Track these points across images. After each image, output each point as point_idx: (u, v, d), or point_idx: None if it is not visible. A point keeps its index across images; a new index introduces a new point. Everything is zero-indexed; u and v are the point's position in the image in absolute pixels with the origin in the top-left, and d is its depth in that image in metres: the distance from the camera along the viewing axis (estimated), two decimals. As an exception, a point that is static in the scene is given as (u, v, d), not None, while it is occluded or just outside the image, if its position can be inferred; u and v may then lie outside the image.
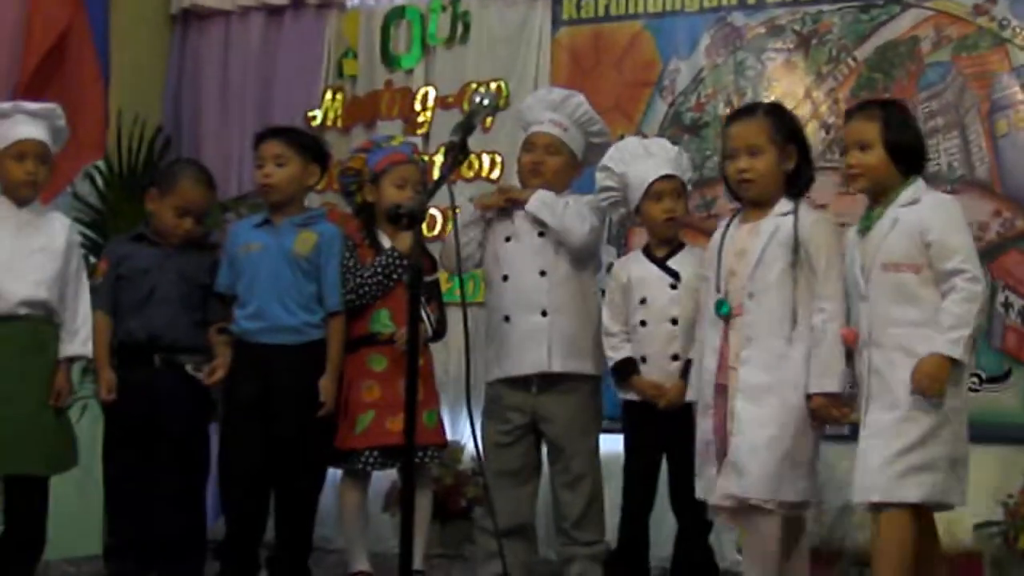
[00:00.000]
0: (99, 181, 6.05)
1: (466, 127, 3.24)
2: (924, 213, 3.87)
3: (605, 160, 4.61)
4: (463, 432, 5.63)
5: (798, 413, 3.96)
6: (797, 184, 4.15)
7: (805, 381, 3.96)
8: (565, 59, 6.11)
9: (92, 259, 5.18)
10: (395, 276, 4.64)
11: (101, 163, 6.03)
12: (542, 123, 4.59)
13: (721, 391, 4.02)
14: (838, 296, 4.00)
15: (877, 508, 3.79)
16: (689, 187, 4.70)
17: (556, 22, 6.14)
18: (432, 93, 6.33)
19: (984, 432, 4.96)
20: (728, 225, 4.19)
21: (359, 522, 4.75)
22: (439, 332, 4.81)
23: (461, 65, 6.33)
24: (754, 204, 4.13)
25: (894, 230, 3.88)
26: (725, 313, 4.05)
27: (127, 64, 6.33)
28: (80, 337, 4.57)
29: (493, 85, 6.06)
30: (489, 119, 5.77)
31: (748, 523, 4.01)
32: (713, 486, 3.99)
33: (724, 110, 5.70)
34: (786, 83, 5.69)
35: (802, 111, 5.57)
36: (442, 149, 5.91)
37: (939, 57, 5.48)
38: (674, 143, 4.90)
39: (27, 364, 4.47)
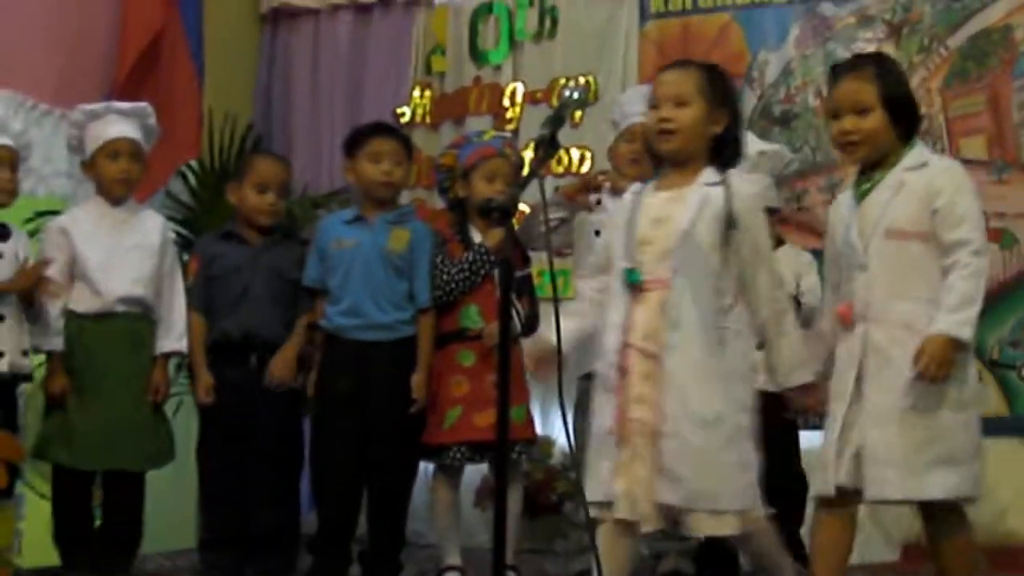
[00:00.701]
0: (191, 179, 6.10)
1: (555, 121, 3.22)
2: (934, 176, 3.57)
3: None
4: (554, 427, 5.63)
5: (743, 410, 3.53)
6: (724, 154, 3.67)
7: (745, 371, 3.56)
8: (653, 53, 6.09)
9: (185, 256, 5.23)
10: (483, 272, 4.64)
11: (193, 161, 6.09)
12: (641, 115, 4.58)
13: (623, 374, 3.53)
14: (782, 283, 3.77)
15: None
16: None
17: (644, 15, 6.13)
18: (521, 88, 6.34)
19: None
20: (640, 192, 3.70)
21: (451, 517, 4.76)
22: (530, 327, 4.80)
23: (549, 60, 6.34)
24: (674, 165, 3.65)
25: (900, 194, 3.56)
26: (636, 281, 3.55)
27: (218, 63, 6.41)
28: (176, 333, 4.65)
29: (582, 80, 6.07)
30: (578, 113, 5.78)
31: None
32: (607, 485, 3.49)
33: (814, 102, 5.65)
34: (877, 73, 5.62)
35: (894, 102, 5.51)
36: (531, 144, 5.90)
37: (1034, 45, 5.40)
38: (764, 136, 4.86)
39: (126, 361, 4.57)
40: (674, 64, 3.85)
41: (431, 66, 6.56)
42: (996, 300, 5.24)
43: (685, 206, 3.56)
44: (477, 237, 4.72)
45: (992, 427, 5.07)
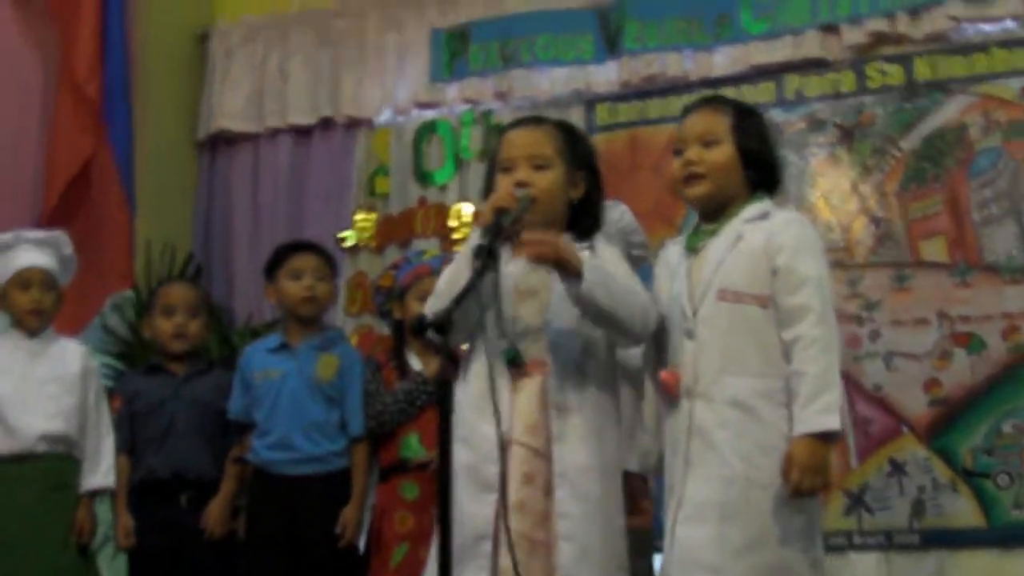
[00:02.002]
0: (129, 312, 5.89)
1: (494, 230, 3.03)
2: (775, 230, 3.13)
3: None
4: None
5: (617, 501, 3.17)
6: (583, 220, 3.29)
7: (617, 456, 3.20)
8: (601, 164, 5.91)
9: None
10: (419, 403, 4.41)
11: (130, 293, 5.88)
12: None
13: (505, 473, 3.07)
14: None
15: None
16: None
17: (591, 128, 5.96)
18: (468, 208, 6.15)
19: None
20: (512, 257, 3.23)
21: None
22: None
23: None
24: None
25: (735, 249, 3.14)
26: (514, 362, 3.14)
27: (155, 192, 6.22)
28: (103, 468, 4.39)
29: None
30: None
31: None
32: None
33: (768, 209, 5.49)
34: (831, 178, 5.49)
35: (849, 206, 5.41)
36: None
37: (989, 143, 5.28)
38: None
39: (49, 503, 4.29)
40: (527, 120, 3.46)
41: (374, 188, 6.39)
42: (966, 407, 5.11)
43: (553, 275, 3.12)
44: (415, 363, 4.49)
45: (970, 539, 4.97)
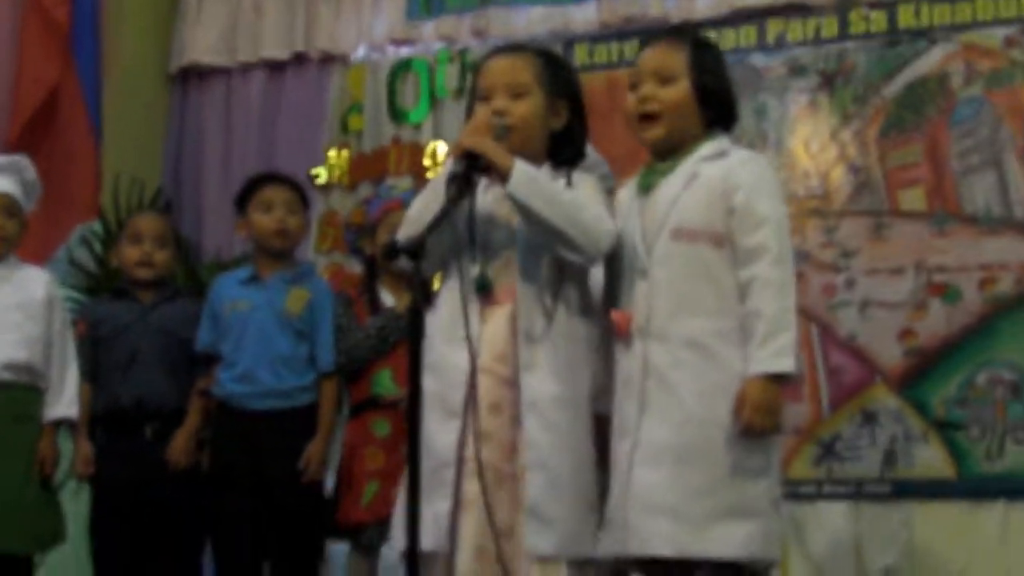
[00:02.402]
0: (96, 246, 5.80)
1: (469, 157, 2.96)
2: (732, 169, 3.07)
3: None
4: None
5: (586, 434, 3.09)
6: (564, 151, 3.21)
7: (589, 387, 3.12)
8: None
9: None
10: (391, 339, 4.34)
11: (98, 227, 5.79)
12: None
13: (472, 397, 3.02)
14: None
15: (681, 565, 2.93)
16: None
17: (568, 69, 5.89)
18: (442, 147, 6.06)
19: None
20: (490, 186, 3.16)
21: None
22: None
23: (469, 118, 6.08)
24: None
25: (690, 188, 3.06)
26: (483, 287, 3.08)
27: (124, 125, 6.12)
28: (66, 399, 4.29)
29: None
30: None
31: None
32: (444, 529, 2.99)
33: (746, 154, 5.42)
34: (811, 124, 5.41)
35: (829, 153, 5.34)
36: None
37: (971, 92, 5.20)
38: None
39: (10, 434, 4.20)
40: (506, 48, 3.37)
41: (348, 125, 6.29)
42: (940, 357, 5.07)
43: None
44: (387, 298, 4.43)
45: (939, 490, 4.96)
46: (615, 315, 3.11)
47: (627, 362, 3.08)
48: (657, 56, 3.17)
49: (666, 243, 3.06)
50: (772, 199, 3.08)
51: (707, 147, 3.14)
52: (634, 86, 3.19)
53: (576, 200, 3.07)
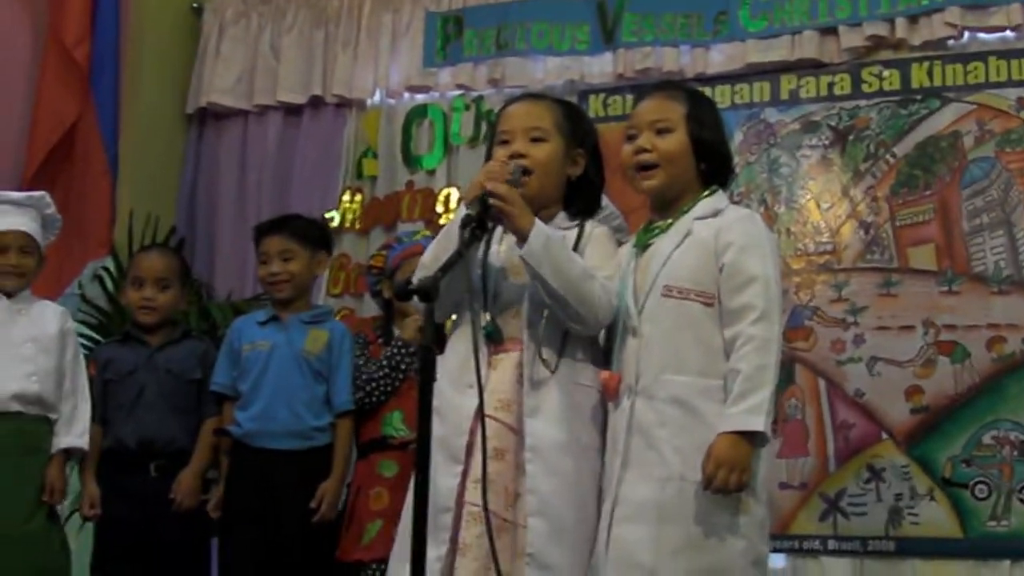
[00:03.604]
0: (108, 283, 5.82)
1: (483, 202, 2.98)
2: (724, 227, 3.09)
3: None
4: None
5: (592, 483, 3.09)
6: (579, 199, 3.28)
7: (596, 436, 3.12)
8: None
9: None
10: (403, 367, 4.37)
11: (111, 264, 5.82)
12: None
13: (471, 449, 3.04)
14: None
15: None
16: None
17: (582, 120, 5.92)
18: (455, 194, 6.08)
19: None
20: (504, 234, 3.19)
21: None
22: None
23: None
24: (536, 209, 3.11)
25: (683, 245, 3.08)
26: (492, 335, 3.10)
27: (140, 163, 6.18)
28: (76, 430, 4.31)
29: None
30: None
31: None
32: (437, 573, 2.97)
33: (759, 209, 5.44)
34: (822, 180, 5.44)
35: (839, 209, 5.36)
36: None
37: (982, 152, 5.22)
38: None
39: (20, 466, 4.22)
40: (526, 96, 3.45)
41: (362, 170, 6.32)
42: (947, 416, 5.06)
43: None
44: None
45: (945, 549, 4.94)
46: (603, 376, 3.12)
47: (614, 420, 3.09)
48: (654, 107, 3.22)
49: (656, 300, 3.08)
50: (761, 258, 3.08)
51: (703, 205, 3.17)
52: (631, 137, 3.23)
53: (584, 272, 3.08)
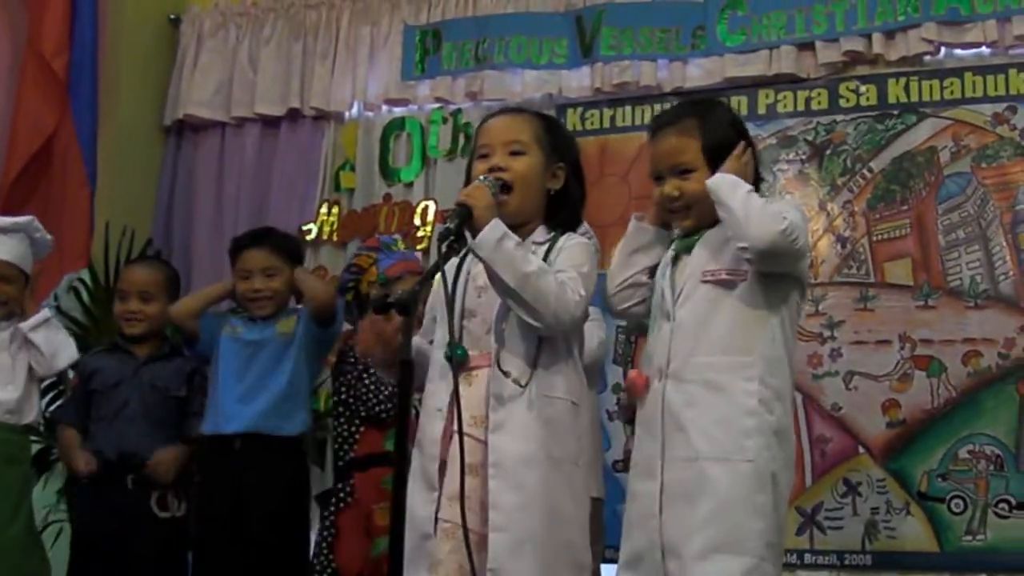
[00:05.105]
0: (84, 295, 5.80)
1: (461, 214, 2.98)
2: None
3: None
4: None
5: (566, 493, 3.05)
6: (560, 214, 3.24)
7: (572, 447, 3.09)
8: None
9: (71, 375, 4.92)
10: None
11: (86, 276, 5.81)
12: None
13: (444, 468, 3.04)
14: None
15: None
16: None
17: (560, 134, 5.93)
18: (432, 207, 6.09)
19: (1014, 561, 4.76)
20: (464, 256, 3.17)
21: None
22: None
23: (461, 178, 6.05)
24: (511, 227, 3.07)
25: (726, 245, 3.12)
26: (462, 356, 3.06)
27: (117, 174, 6.17)
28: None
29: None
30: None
31: None
32: None
33: (735, 223, 5.44)
34: (799, 195, 5.44)
35: (816, 224, 5.37)
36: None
37: (958, 168, 5.26)
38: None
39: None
40: (506, 110, 3.44)
41: (340, 182, 6.32)
42: (924, 430, 5.08)
43: None
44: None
45: (921, 563, 4.95)
46: (632, 375, 3.16)
47: (648, 405, 3.11)
48: (672, 147, 3.23)
49: (694, 285, 3.13)
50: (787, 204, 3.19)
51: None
52: (658, 177, 3.27)
53: (540, 269, 3.05)
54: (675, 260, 3.24)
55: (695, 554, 2.92)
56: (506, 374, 3.06)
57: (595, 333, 4.22)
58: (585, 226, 3.44)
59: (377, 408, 4.38)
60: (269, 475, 4.33)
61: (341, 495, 4.41)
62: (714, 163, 3.19)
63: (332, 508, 4.40)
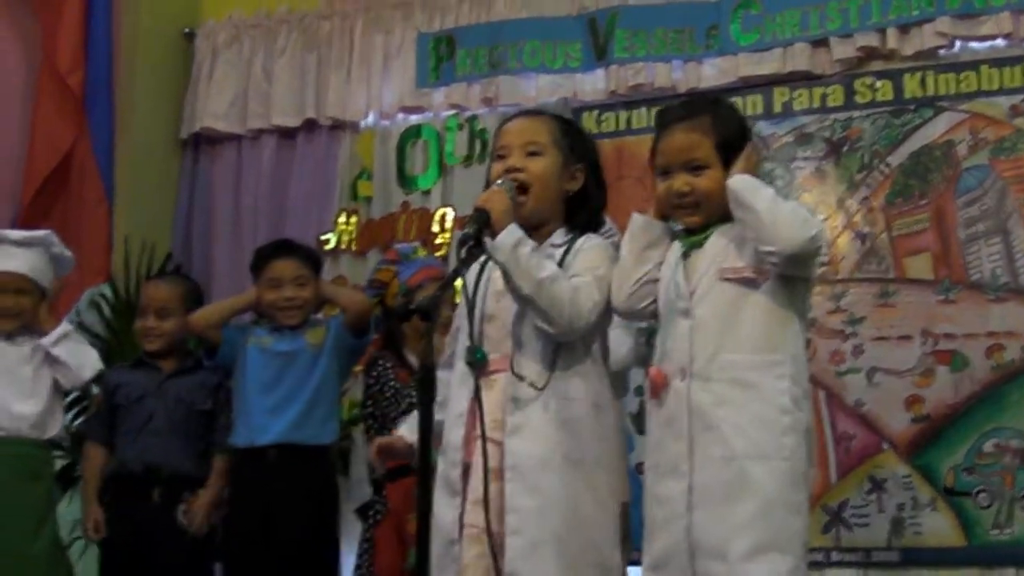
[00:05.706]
0: (105, 309, 5.82)
1: (480, 219, 2.98)
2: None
3: None
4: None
5: (587, 495, 3.05)
6: (579, 215, 3.24)
7: (593, 449, 3.08)
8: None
9: (95, 389, 4.94)
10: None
11: (107, 290, 5.83)
12: None
13: (466, 473, 3.05)
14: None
15: None
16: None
17: (576, 137, 5.92)
18: (451, 214, 6.09)
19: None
20: (485, 261, 3.13)
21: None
22: None
23: (479, 185, 6.01)
24: (529, 229, 3.09)
25: (741, 241, 3.05)
26: (481, 359, 3.07)
27: (135, 189, 6.19)
28: None
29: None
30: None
31: None
32: None
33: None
34: (817, 192, 5.44)
35: (835, 220, 5.36)
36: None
37: (976, 161, 5.23)
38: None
39: (23, 491, 4.28)
40: (524, 112, 3.43)
41: (357, 191, 6.33)
42: (948, 425, 5.05)
43: None
44: (415, 361, 4.45)
45: (948, 558, 4.93)
46: (652, 372, 3.07)
47: (670, 404, 3.02)
48: (683, 142, 3.11)
49: (711, 281, 3.04)
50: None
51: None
52: (665, 172, 3.14)
53: (554, 274, 3.04)
54: (684, 256, 3.15)
55: (742, 555, 2.86)
56: (520, 378, 3.06)
57: (624, 339, 4.21)
58: (608, 224, 3.44)
59: (397, 420, 4.38)
60: (300, 485, 4.36)
61: (378, 506, 4.42)
62: (725, 161, 3.11)
63: (370, 521, 4.42)
